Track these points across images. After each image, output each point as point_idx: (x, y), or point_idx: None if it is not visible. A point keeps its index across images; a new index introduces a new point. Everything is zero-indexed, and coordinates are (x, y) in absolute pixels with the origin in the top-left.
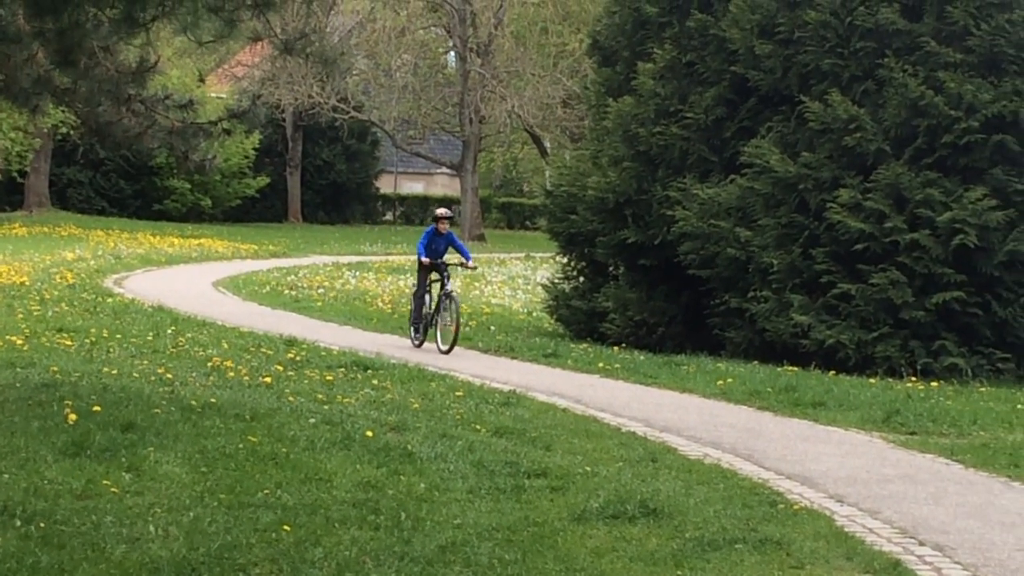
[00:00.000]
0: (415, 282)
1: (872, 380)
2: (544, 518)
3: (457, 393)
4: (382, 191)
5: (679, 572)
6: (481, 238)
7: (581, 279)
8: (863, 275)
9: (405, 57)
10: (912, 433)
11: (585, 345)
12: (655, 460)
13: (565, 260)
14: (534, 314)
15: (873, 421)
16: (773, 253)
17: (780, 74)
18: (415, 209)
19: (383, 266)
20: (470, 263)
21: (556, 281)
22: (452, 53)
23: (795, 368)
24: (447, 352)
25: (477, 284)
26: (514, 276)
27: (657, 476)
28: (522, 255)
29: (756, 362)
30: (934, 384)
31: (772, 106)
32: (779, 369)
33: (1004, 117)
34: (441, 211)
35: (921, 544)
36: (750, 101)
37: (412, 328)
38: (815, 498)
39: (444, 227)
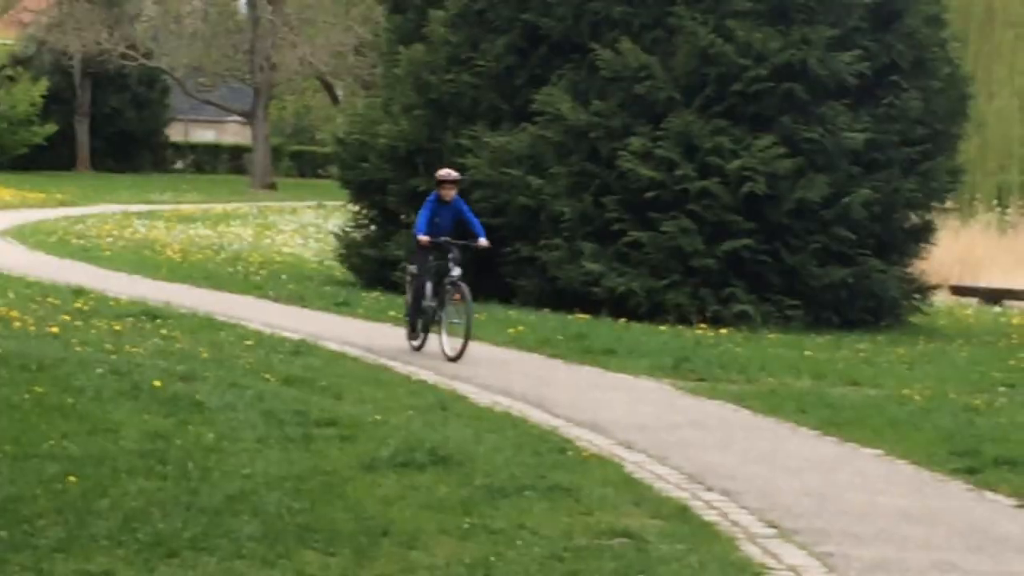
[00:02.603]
0: (410, 266)
1: (662, 327)
2: (334, 467)
3: (247, 342)
4: (172, 139)
5: (468, 519)
6: (273, 187)
7: (372, 227)
8: (654, 223)
9: (195, 3)
10: (701, 380)
11: (376, 293)
12: (445, 408)
13: (356, 208)
14: (325, 263)
15: (663, 368)
16: (564, 201)
17: (571, 22)
18: (206, 157)
19: (173, 215)
20: (483, 240)
21: (347, 229)
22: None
23: (586, 316)
24: (456, 359)
25: (268, 233)
26: (306, 225)
27: (447, 424)
28: (314, 204)
29: (547, 310)
30: (724, 331)
31: (563, 54)
32: (570, 317)
33: (793, 66)
34: (444, 172)
35: (708, 490)
36: (541, 49)
37: (409, 325)
38: (605, 445)
39: (450, 193)
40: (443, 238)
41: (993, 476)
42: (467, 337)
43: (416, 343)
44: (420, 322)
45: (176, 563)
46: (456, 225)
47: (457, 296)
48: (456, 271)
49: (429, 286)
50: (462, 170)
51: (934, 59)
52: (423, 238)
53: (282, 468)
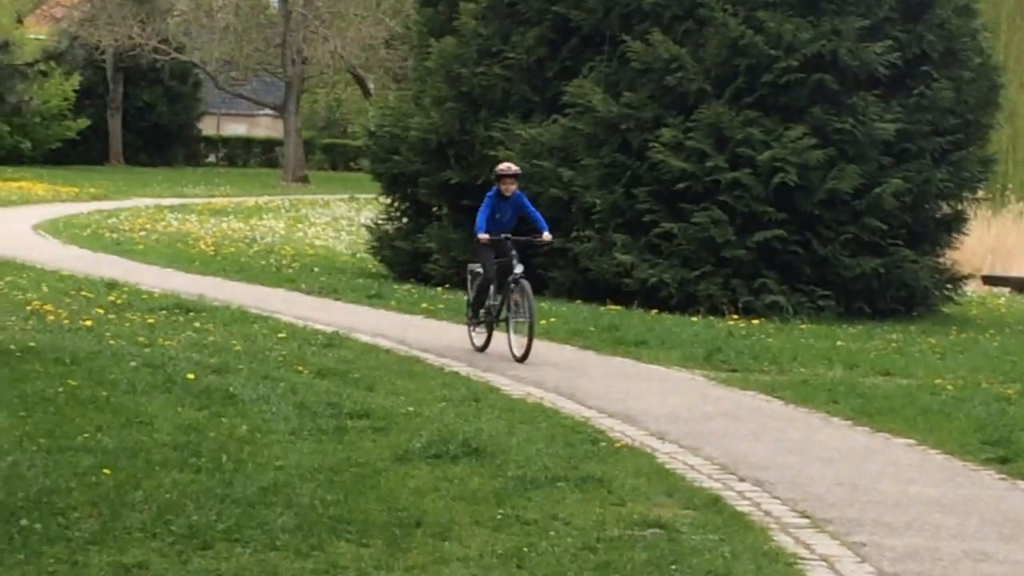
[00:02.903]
0: (472, 265)
1: (694, 318)
2: (366, 458)
3: (280, 335)
4: (204, 133)
5: (501, 510)
6: (305, 180)
7: (404, 220)
8: (685, 214)
9: None
10: (733, 370)
11: (408, 286)
12: (478, 400)
13: (388, 201)
14: (358, 255)
15: (695, 359)
16: (596, 193)
17: (602, 14)
18: (238, 151)
19: (205, 208)
20: (546, 235)
21: (379, 222)
22: None
23: (618, 307)
24: (522, 359)
25: (301, 226)
26: (338, 218)
27: (480, 416)
28: (346, 196)
29: (579, 301)
30: (755, 322)
31: (594, 46)
32: (602, 308)
33: (823, 56)
34: (504, 166)
35: (741, 480)
36: (572, 41)
37: (470, 325)
38: (637, 436)
39: (510, 188)
40: (504, 235)
41: None
42: (531, 336)
43: (480, 343)
44: (484, 322)
45: (210, 555)
46: (518, 221)
47: (519, 295)
48: (519, 268)
49: (492, 285)
50: (494, 162)
51: (965, 49)
52: (483, 236)
53: (315, 460)
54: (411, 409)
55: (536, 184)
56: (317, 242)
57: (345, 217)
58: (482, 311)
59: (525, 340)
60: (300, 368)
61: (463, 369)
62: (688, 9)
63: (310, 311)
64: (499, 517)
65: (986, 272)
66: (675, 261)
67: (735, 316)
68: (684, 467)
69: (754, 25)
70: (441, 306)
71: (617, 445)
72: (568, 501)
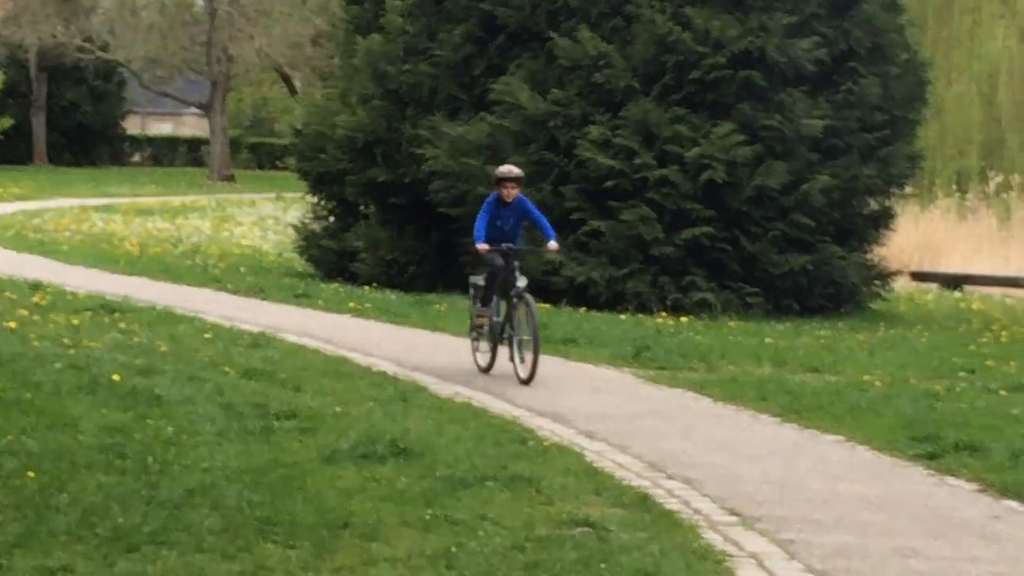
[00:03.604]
0: (472, 277)
1: (623, 316)
2: (294, 459)
3: (206, 335)
4: (129, 132)
5: (429, 511)
6: (231, 179)
7: (331, 219)
8: (613, 212)
9: None
10: (662, 368)
11: (336, 285)
12: (406, 399)
13: (315, 200)
14: (284, 255)
15: (623, 357)
16: (523, 191)
17: (529, 11)
18: (163, 150)
19: (131, 208)
20: (552, 243)
21: (306, 221)
22: None
23: (546, 305)
24: (527, 381)
25: (227, 225)
26: (264, 217)
27: (408, 415)
28: (272, 195)
29: None
30: (684, 319)
31: (521, 43)
32: None
33: (751, 53)
34: (505, 168)
35: (670, 478)
36: (499, 38)
37: (473, 342)
38: (566, 434)
39: (512, 192)
40: (505, 244)
41: (953, 461)
42: (536, 354)
43: (484, 363)
44: (489, 341)
45: (136, 557)
46: (521, 228)
47: (522, 310)
48: (522, 282)
49: (495, 299)
50: (421, 161)
51: (892, 45)
52: (481, 246)
53: (242, 461)
54: (338, 409)
55: (464, 182)
56: (243, 241)
57: (272, 216)
58: (484, 327)
59: (530, 360)
60: (226, 369)
61: (391, 368)
62: (616, 6)
63: (236, 311)
64: (427, 517)
65: (914, 268)
66: (603, 259)
67: (664, 314)
68: (613, 465)
69: (682, 22)
70: (369, 305)
71: (546, 444)
72: (497, 501)
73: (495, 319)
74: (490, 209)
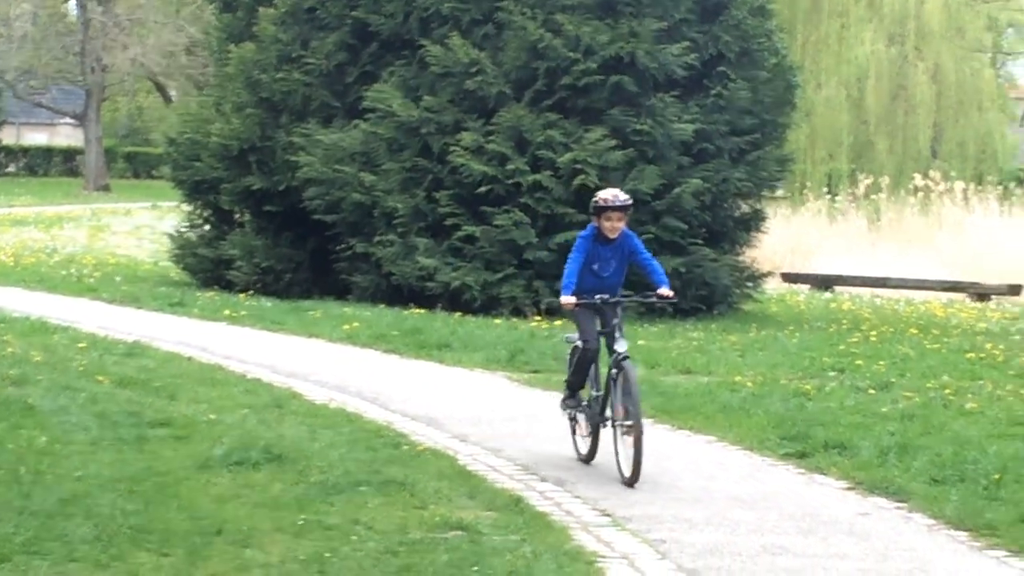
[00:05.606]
0: (570, 335)
1: (497, 320)
2: (167, 467)
3: (80, 345)
4: (4, 143)
5: (302, 516)
6: (107, 188)
7: (207, 227)
8: (487, 217)
9: (24, 6)
10: (536, 371)
11: (212, 293)
12: (280, 406)
13: (190, 208)
14: (160, 264)
15: (498, 361)
16: (398, 197)
17: (401, 18)
18: (38, 160)
19: (5, 218)
20: (665, 290)
21: (181, 230)
22: (72, 1)
23: (422, 311)
24: (631, 482)
25: (103, 235)
26: (140, 226)
27: (282, 422)
28: (148, 205)
29: (383, 306)
30: (558, 323)
31: (394, 51)
32: (405, 312)
33: (621, 58)
34: (609, 194)
35: (543, 480)
36: (372, 46)
37: (571, 422)
38: (439, 439)
39: (616, 227)
40: (600, 297)
41: (823, 460)
42: (638, 446)
43: (584, 451)
44: (593, 421)
45: (8, 568)
46: (624, 273)
47: (621, 386)
48: (622, 345)
49: (594, 367)
50: (296, 168)
51: (760, 50)
52: (567, 300)
53: (115, 470)
54: (213, 417)
55: (338, 189)
56: (119, 251)
57: (147, 225)
58: (584, 404)
59: (631, 453)
60: (101, 378)
61: (266, 375)
62: (487, 13)
63: (112, 320)
64: (301, 523)
65: (786, 270)
66: (478, 264)
67: (538, 317)
68: (486, 468)
69: (553, 28)
70: (244, 313)
71: (420, 448)
72: (370, 505)
73: (594, 392)
74: (586, 248)
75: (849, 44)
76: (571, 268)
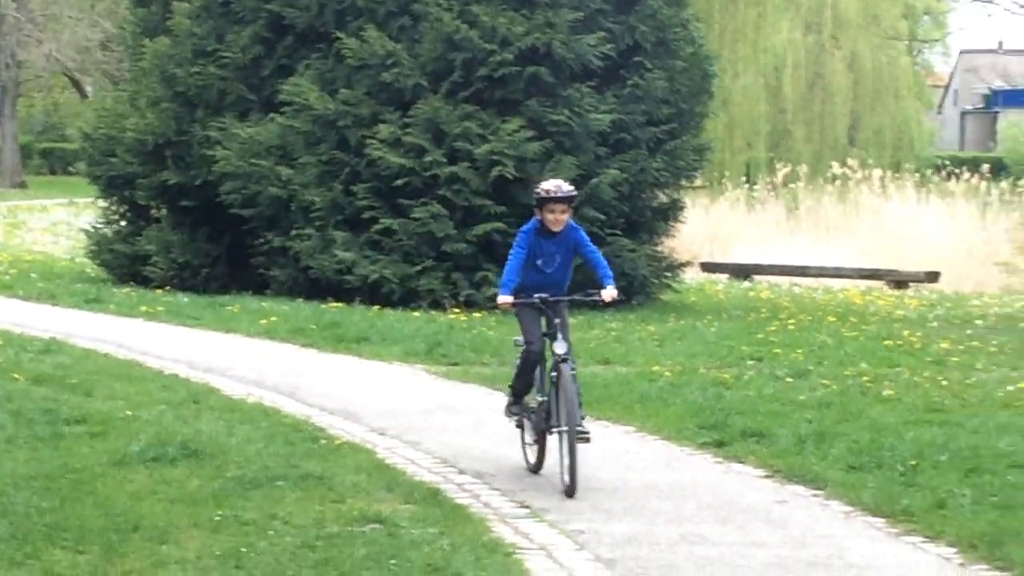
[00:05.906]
0: (518, 338)
1: (416, 313)
2: (83, 464)
3: None
4: None
5: (219, 511)
6: (23, 185)
7: (123, 223)
8: (405, 210)
9: None
10: (454, 364)
11: (128, 289)
12: (197, 401)
13: (106, 204)
14: (77, 260)
15: (416, 354)
16: (315, 190)
17: (316, 11)
18: None
19: None
20: (611, 289)
21: (97, 226)
22: None
23: (340, 304)
24: (570, 492)
25: (18, 232)
26: (56, 223)
27: (199, 417)
28: (65, 201)
29: (301, 299)
30: (477, 315)
31: (309, 44)
32: (324, 306)
33: (538, 49)
34: (552, 185)
35: (461, 472)
36: (287, 39)
37: (520, 429)
38: (358, 432)
39: (560, 219)
40: (540, 296)
41: (741, 448)
42: (572, 453)
43: (532, 459)
44: (538, 427)
45: None
46: (570, 269)
47: (559, 389)
48: (561, 346)
49: (539, 371)
50: (212, 162)
51: (677, 39)
52: (504, 300)
53: (31, 467)
54: (129, 413)
55: (255, 183)
56: (35, 248)
57: (64, 222)
58: (531, 410)
59: (570, 459)
60: (16, 375)
61: (183, 371)
62: (403, 5)
63: (27, 318)
64: (218, 518)
65: (704, 259)
66: (396, 257)
67: (457, 309)
68: (404, 462)
69: (468, 19)
70: (161, 308)
71: (338, 442)
72: (287, 500)
73: (540, 398)
74: (528, 243)
75: (766, 33)
76: (511, 265)
